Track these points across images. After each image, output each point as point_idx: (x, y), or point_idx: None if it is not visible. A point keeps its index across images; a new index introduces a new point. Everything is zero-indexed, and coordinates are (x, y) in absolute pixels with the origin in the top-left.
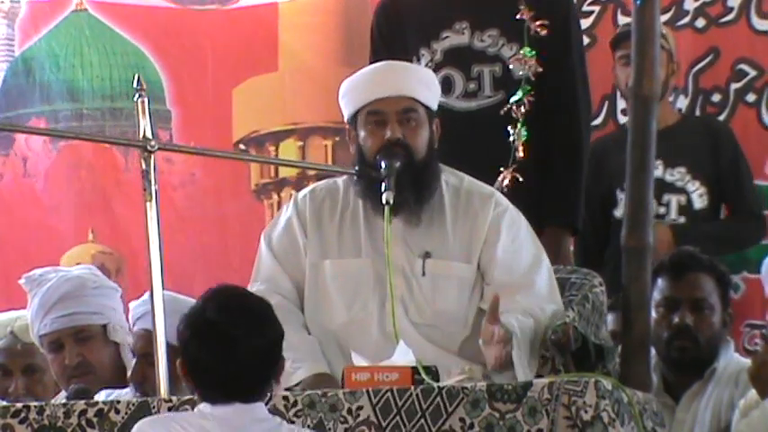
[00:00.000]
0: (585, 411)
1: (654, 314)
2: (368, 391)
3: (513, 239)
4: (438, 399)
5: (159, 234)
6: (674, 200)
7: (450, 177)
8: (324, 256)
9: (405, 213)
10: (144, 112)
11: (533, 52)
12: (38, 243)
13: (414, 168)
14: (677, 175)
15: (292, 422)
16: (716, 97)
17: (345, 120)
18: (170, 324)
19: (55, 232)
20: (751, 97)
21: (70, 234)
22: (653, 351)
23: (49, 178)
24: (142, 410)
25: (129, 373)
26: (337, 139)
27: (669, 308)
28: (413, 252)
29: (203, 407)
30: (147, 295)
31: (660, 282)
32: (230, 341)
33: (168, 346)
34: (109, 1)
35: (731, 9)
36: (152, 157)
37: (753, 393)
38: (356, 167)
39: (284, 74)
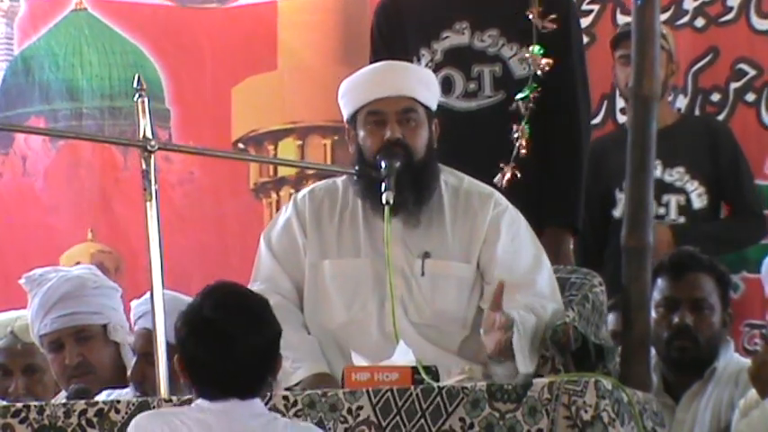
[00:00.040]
0: (585, 411)
1: (654, 314)
2: (368, 391)
3: (513, 239)
4: (438, 399)
5: (159, 234)
6: (674, 200)
7: (449, 177)
8: (323, 257)
9: (404, 213)
10: (144, 112)
11: (542, 50)
12: (37, 242)
13: (413, 168)
14: (676, 175)
15: None
16: (715, 97)
17: (345, 119)
18: (170, 323)
19: (54, 231)
20: (750, 97)
21: (69, 233)
22: (653, 351)
23: (49, 177)
24: (142, 410)
25: (128, 373)
26: (336, 137)
27: (669, 308)
28: (412, 252)
29: (201, 402)
30: (148, 294)
31: (660, 282)
32: (227, 338)
33: (168, 345)
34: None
35: (731, 8)
36: (152, 157)
37: (753, 393)
38: (356, 167)
39: (283, 72)
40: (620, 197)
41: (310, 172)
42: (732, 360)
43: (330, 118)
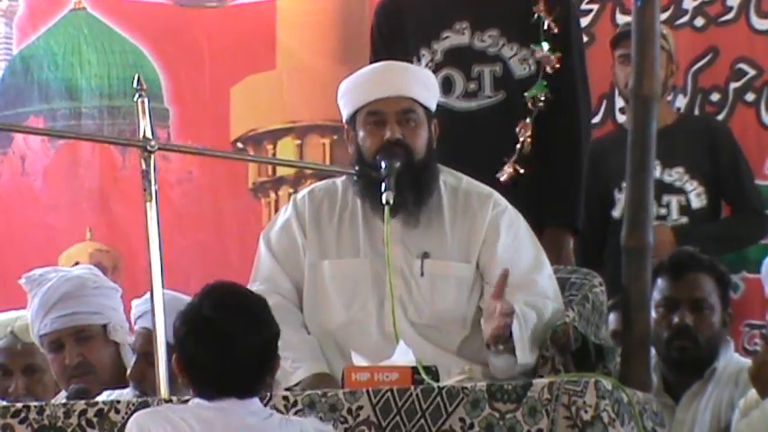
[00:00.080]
0: (585, 411)
1: (654, 314)
2: (368, 391)
3: (513, 239)
4: (438, 399)
5: (159, 234)
6: (674, 200)
7: (448, 178)
8: (322, 257)
9: (403, 214)
10: (144, 112)
11: (551, 49)
12: (36, 241)
13: (413, 169)
14: (675, 175)
15: None
16: (715, 97)
17: (344, 120)
18: (171, 323)
19: (53, 231)
20: (750, 97)
21: (68, 232)
22: (653, 351)
23: (48, 177)
24: None
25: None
26: (335, 137)
27: (669, 308)
28: (411, 252)
29: (199, 401)
30: (149, 294)
31: (660, 282)
32: (226, 338)
33: (168, 345)
34: None
35: (730, 8)
36: (152, 157)
37: (753, 393)
38: (356, 167)
39: (282, 72)
40: (619, 197)
41: (309, 172)
42: (732, 360)
43: (329, 117)
